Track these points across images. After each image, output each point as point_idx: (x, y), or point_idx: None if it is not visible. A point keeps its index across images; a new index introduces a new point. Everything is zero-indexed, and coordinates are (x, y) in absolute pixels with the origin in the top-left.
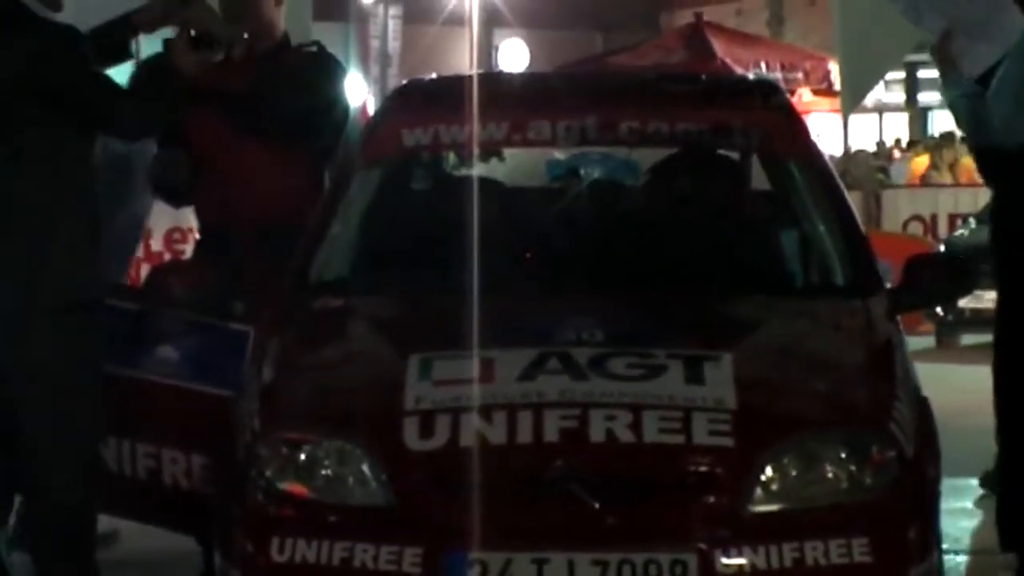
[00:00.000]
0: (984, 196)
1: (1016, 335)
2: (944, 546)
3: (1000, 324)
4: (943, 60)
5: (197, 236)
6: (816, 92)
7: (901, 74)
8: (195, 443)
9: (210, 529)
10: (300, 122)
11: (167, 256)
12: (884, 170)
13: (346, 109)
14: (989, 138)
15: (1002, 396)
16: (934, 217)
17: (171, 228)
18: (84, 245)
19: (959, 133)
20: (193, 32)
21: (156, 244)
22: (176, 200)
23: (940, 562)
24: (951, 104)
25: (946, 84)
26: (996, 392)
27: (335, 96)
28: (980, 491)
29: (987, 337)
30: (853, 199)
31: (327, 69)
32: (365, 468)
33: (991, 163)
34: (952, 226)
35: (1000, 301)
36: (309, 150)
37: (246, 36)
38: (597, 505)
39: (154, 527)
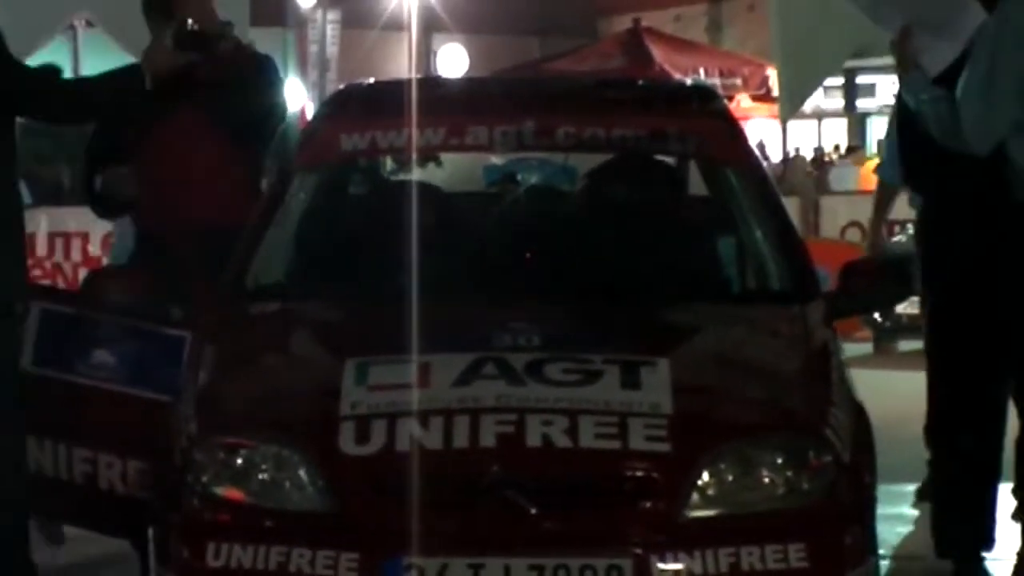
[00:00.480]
0: None
1: (944, 342)
2: (880, 551)
3: (929, 331)
4: (903, 59)
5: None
6: (755, 98)
7: (840, 80)
8: (131, 448)
9: (146, 534)
10: (251, 123)
11: (104, 261)
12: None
13: (284, 113)
14: (960, 143)
15: (932, 403)
16: None
17: (107, 233)
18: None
19: None
20: (192, 26)
21: (94, 248)
22: (113, 214)
23: (876, 567)
24: (917, 110)
25: (906, 86)
26: (928, 399)
27: (278, 100)
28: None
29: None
30: (792, 205)
31: (271, 71)
32: (302, 473)
33: (923, 167)
34: (891, 232)
35: (928, 309)
36: (250, 153)
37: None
38: (533, 510)
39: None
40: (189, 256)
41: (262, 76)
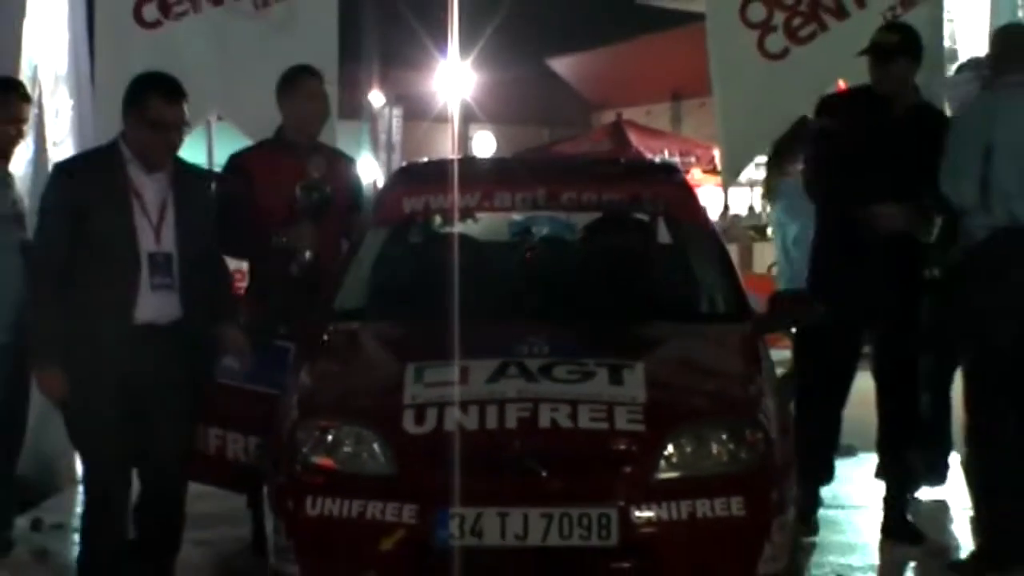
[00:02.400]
0: None
1: (810, 338)
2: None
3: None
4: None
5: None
6: (704, 171)
7: (765, 158)
8: (252, 428)
9: (260, 492)
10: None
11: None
12: (757, 228)
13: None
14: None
15: (801, 415)
16: None
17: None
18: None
19: None
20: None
21: None
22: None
23: (793, 516)
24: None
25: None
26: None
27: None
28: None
29: None
30: (731, 249)
31: (355, 170)
32: (375, 447)
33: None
34: None
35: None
36: (341, 222)
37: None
38: (544, 474)
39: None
40: (292, 290)
41: (351, 174)
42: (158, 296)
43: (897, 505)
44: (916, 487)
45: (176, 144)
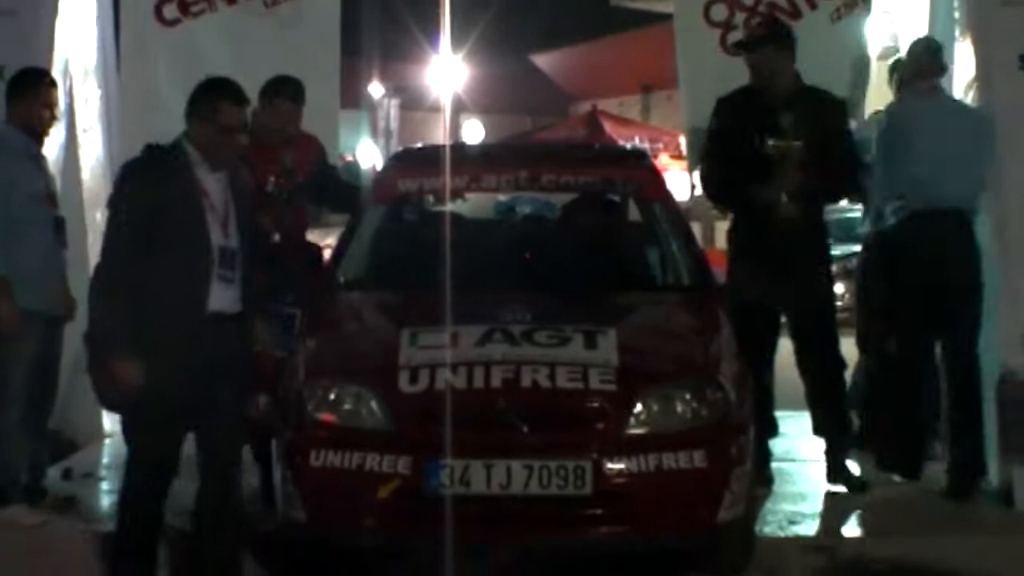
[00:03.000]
0: None
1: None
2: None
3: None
4: None
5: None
6: (672, 157)
7: None
8: (263, 386)
9: (268, 445)
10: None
11: None
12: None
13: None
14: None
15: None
16: None
17: None
18: None
19: None
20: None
21: None
22: None
23: (750, 467)
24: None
25: None
26: None
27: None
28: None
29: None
30: (695, 227)
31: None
32: (373, 404)
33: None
34: None
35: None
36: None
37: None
38: (526, 429)
39: None
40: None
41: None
42: (223, 288)
43: (837, 456)
44: (851, 438)
45: (241, 146)
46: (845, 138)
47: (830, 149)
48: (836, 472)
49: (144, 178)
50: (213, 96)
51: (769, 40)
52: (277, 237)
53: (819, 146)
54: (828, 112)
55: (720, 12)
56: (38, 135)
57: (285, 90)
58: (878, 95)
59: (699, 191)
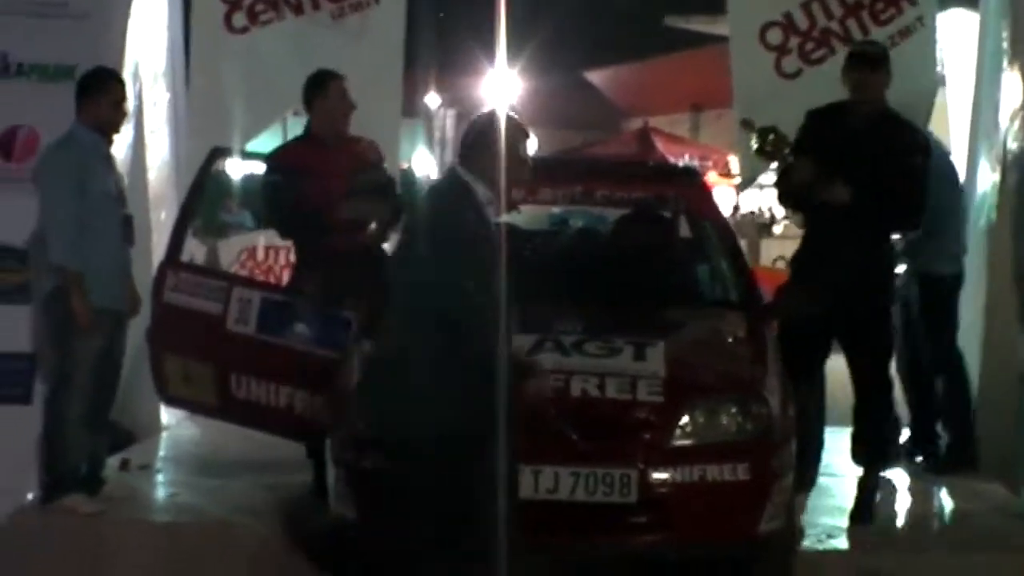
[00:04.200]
0: None
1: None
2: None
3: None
4: None
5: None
6: (720, 175)
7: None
8: (318, 386)
9: (322, 444)
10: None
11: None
12: (763, 225)
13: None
14: None
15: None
16: None
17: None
18: None
19: None
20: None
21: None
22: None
23: (791, 482)
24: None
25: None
26: None
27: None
28: None
29: None
30: (742, 245)
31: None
32: None
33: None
34: None
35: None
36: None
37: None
38: (575, 437)
39: (283, 440)
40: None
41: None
42: None
43: (863, 494)
44: (887, 467)
45: None
46: (918, 170)
47: (901, 177)
48: (857, 507)
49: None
50: None
51: (886, 60)
52: (374, 226)
53: (889, 172)
54: (906, 139)
55: (776, 36)
56: (107, 134)
57: (332, 85)
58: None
59: (744, 209)
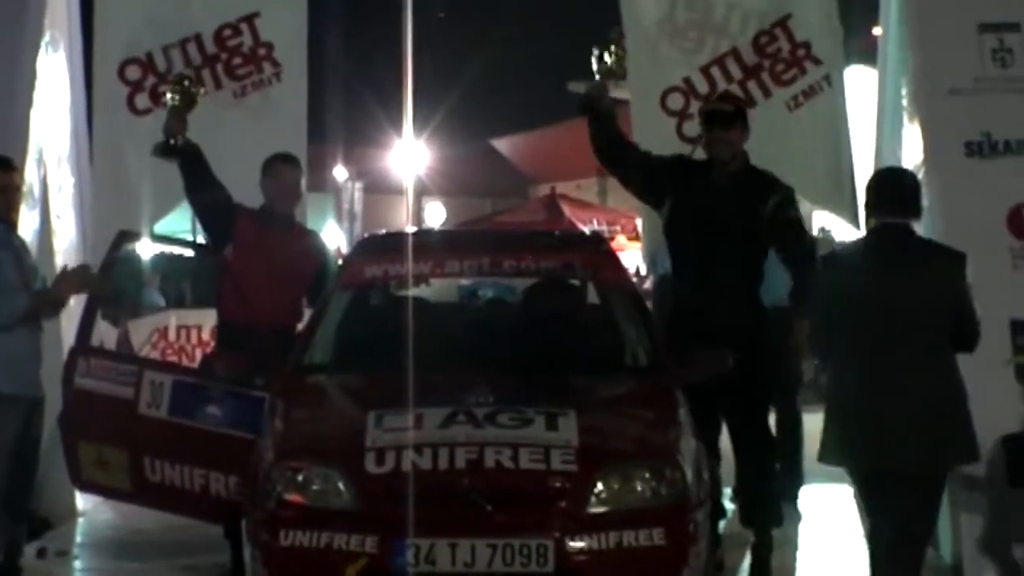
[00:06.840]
0: None
1: None
2: None
3: None
4: None
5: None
6: (628, 239)
7: None
8: (232, 468)
9: (238, 524)
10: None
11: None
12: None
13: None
14: None
15: None
16: None
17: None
18: None
19: None
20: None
21: (206, 336)
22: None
23: (707, 545)
24: None
25: None
26: None
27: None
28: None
29: None
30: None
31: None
32: (340, 485)
33: None
34: None
35: None
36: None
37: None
38: (489, 508)
39: (199, 522)
40: (266, 344)
41: (318, 246)
42: None
43: (760, 554)
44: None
45: None
46: (796, 221)
47: (785, 229)
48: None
49: None
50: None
51: (740, 117)
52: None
53: (773, 227)
54: (763, 191)
55: (676, 101)
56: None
57: (279, 169)
58: None
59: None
